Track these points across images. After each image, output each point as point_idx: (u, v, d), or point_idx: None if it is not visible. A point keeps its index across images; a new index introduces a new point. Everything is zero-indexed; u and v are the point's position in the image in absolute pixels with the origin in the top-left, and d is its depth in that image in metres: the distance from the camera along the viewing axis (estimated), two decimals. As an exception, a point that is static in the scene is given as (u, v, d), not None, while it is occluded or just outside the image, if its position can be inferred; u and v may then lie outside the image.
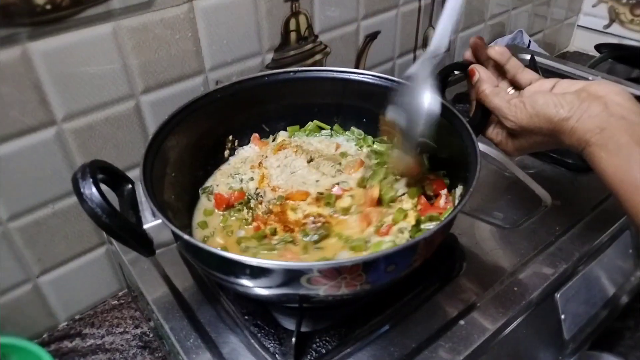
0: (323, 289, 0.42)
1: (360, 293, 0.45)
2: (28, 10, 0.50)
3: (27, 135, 0.55)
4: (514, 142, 0.55)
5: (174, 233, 0.43)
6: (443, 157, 0.60)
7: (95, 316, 0.67)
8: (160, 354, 0.62)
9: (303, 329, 0.49)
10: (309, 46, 0.76)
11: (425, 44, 0.96)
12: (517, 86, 0.55)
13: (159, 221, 0.44)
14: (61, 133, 0.57)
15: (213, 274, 0.47)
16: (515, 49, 1.04)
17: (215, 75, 0.68)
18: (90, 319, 0.67)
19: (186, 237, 0.41)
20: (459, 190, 0.54)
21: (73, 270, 0.65)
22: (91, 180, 0.40)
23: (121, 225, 0.41)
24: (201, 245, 0.41)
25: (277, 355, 0.48)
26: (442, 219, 0.53)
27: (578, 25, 1.32)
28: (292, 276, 0.41)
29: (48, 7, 0.51)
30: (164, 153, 0.52)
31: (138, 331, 0.65)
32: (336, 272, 0.40)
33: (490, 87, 0.53)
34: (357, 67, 0.85)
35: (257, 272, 0.42)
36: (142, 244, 0.44)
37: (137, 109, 0.62)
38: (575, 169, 0.73)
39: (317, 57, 0.78)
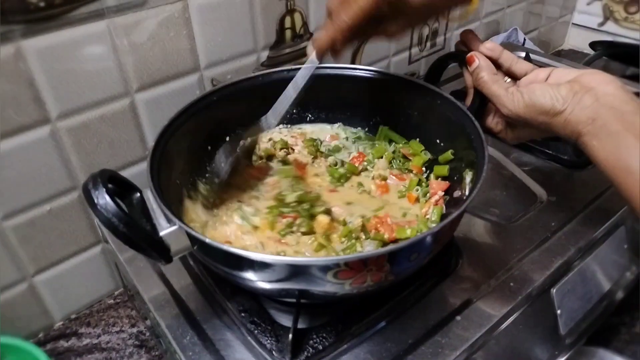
0: (349, 282, 0.42)
1: (383, 284, 0.45)
2: (22, 7, 0.49)
3: (21, 134, 0.54)
4: (512, 131, 0.56)
5: (192, 237, 0.43)
6: (445, 146, 0.60)
7: (91, 315, 0.67)
8: (156, 353, 0.61)
9: (300, 326, 0.49)
10: (305, 44, 0.76)
11: (420, 41, 0.96)
12: (513, 77, 0.56)
13: (173, 228, 0.43)
14: (56, 131, 0.57)
15: (231, 273, 0.46)
16: (510, 47, 1.05)
17: (211, 73, 0.67)
18: (86, 318, 0.67)
19: (208, 240, 0.41)
20: (468, 176, 0.54)
21: (68, 269, 0.65)
22: (104, 189, 0.40)
23: (139, 234, 0.41)
24: (226, 247, 0.41)
25: (273, 352, 0.48)
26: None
27: (572, 23, 1.33)
28: (318, 271, 0.41)
29: (42, 4, 0.50)
30: (166, 160, 0.52)
31: (134, 330, 0.64)
32: (362, 264, 0.41)
33: (489, 74, 0.54)
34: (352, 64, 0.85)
35: (281, 270, 0.42)
36: (160, 251, 0.43)
37: (132, 107, 0.62)
38: (571, 165, 0.73)
39: (313, 55, 0.78)
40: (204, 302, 0.54)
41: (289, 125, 0.69)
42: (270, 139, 0.66)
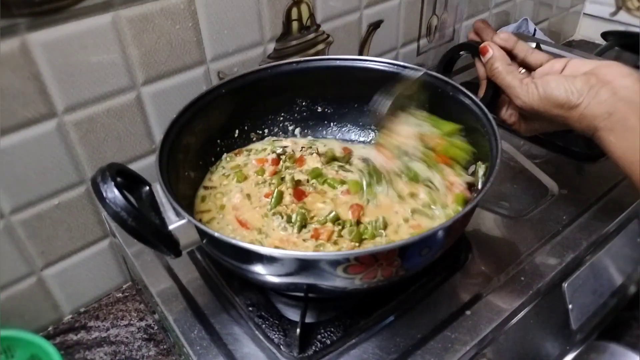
0: (359, 277, 0.42)
1: (394, 279, 0.45)
2: (27, 0, 0.49)
3: (28, 128, 0.54)
4: (526, 123, 0.55)
5: (201, 231, 0.43)
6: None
7: (100, 309, 0.67)
8: (165, 346, 0.61)
9: (307, 320, 0.49)
10: (312, 36, 0.75)
11: (429, 32, 0.94)
12: (528, 68, 0.55)
13: (182, 222, 0.43)
14: (62, 125, 0.56)
15: (239, 267, 0.46)
16: (520, 38, 1.03)
17: (217, 66, 0.67)
18: (95, 311, 0.67)
19: (217, 234, 0.41)
20: (481, 169, 0.53)
21: (77, 263, 0.65)
22: (113, 183, 0.39)
23: (148, 228, 0.41)
24: (234, 242, 0.41)
25: (281, 347, 0.48)
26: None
27: (584, 14, 1.30)
28: (328, 266, 0.41)
29: (47, -3, 0.50)
30: (175, 154, 0.52)
31: (143, 324, 0.65)
32: (373, 259, 0.40)
33: (503, 65, 0.53)
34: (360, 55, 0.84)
35: (290, 264, 0.42)
36: (169, 245, 0.43)
37: (138, 100, 0.61)
38: (583, 157, 0.72)
39: (320, 46, 0.77)
40: (212, 296, 0.53)
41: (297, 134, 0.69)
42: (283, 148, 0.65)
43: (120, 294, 0.70)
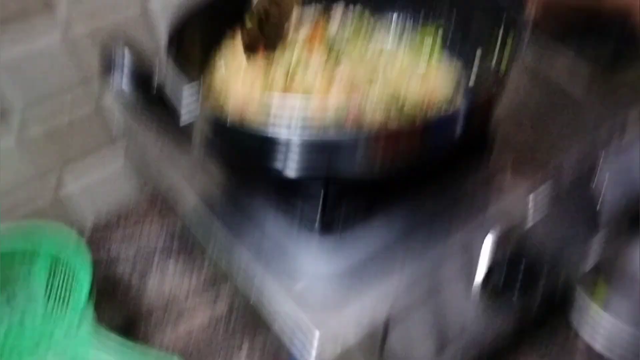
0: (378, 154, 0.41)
1: (415, 162, 0.44)
2: None
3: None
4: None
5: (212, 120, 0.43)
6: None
7: (119, 222, 0.68)
8: (187, 254, 0.61)
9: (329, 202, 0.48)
10: None
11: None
12: None
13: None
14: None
15: (257, 155, 0.45)
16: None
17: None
18: (117, 223, 0.67)
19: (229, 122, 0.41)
20: (507, 46, 0.49)
21: (95, 179, 0.65)
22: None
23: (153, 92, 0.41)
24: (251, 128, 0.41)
25: (305, 224, 0.48)
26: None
27: None
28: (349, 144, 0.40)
29: None
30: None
31: (164, 232, 0.65)
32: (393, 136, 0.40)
33: None
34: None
35: (308, 146, 0.41)
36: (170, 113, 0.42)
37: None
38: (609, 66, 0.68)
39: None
40: (229, 198, 0.53)
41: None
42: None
43: (141, 206, 0.69)
